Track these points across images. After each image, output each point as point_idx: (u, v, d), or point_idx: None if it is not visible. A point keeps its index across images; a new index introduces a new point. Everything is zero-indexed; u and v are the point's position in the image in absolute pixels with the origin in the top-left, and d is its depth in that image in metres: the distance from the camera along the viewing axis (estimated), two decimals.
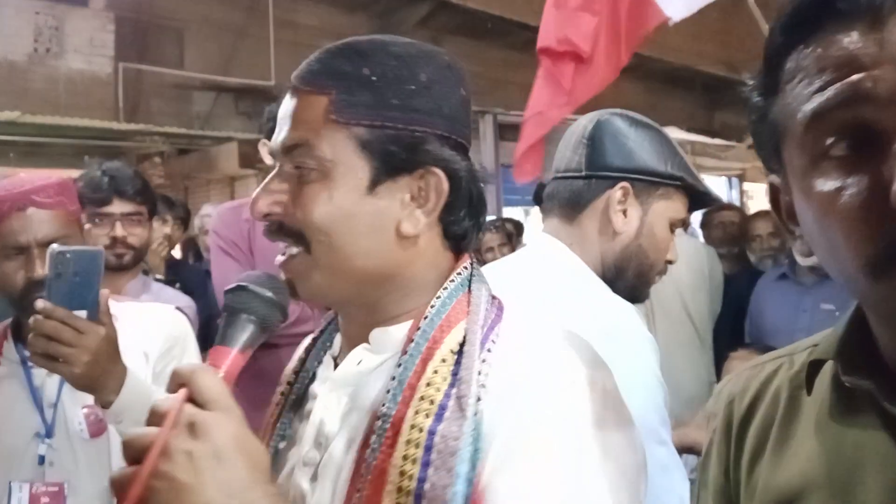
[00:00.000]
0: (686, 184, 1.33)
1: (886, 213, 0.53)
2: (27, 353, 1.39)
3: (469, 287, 0.78)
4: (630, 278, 1.33)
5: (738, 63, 11.81)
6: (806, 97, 0.58)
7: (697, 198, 1.39)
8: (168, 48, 9.13)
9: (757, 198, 10.78)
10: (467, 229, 0.80)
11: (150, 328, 1.57)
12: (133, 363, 1.36)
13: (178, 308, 1.68)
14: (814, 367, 0.69)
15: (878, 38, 0.55)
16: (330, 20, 10.15)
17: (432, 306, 0.75)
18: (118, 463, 1.47)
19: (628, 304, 1.28)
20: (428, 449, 0.67)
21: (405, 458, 0.68)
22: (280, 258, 0.79)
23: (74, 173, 2.20)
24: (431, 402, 0.70)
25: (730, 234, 3.91)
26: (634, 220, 1.31)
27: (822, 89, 0.57)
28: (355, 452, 0.73)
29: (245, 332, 0.73)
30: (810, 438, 0.67)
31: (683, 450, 1.75)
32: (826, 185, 0.58)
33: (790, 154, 0.63)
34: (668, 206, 1.33)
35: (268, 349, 2.13)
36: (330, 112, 0.74)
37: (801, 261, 3.00)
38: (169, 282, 3.05)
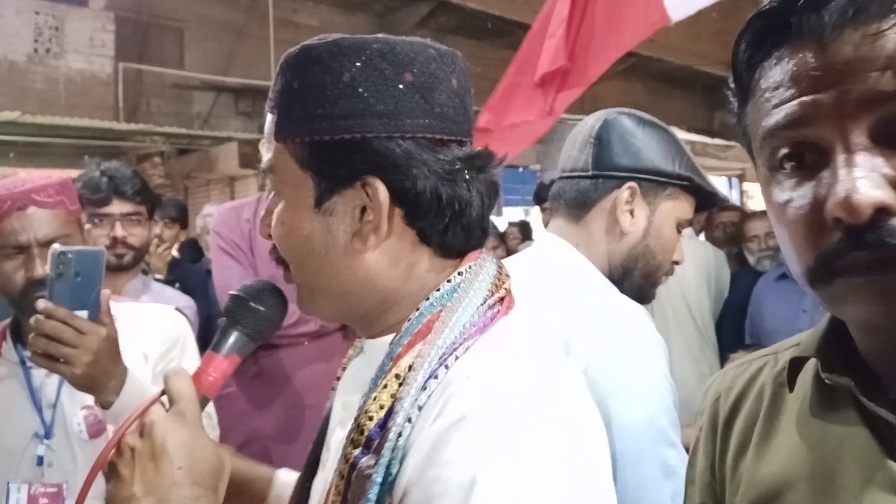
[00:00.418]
0: (694, 184, 1.32)
1: (821, 227, 0.58)
2: (26, 354, 1.39)
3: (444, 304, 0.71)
4: (637, 279, 1.32)
5: None
6: (765, 112, 0.61)
7: (704, 198, 1.38)
8: (168, 48, 9.14)
9: (757, 198, 10.80)
10: (446, 231, 0.72)
11: (150, 329, 1.57)
12: (132, 364, 1.36)
13: (177, 308, 1.68)
14: (795, 364, 0.70)
15: (823, 61, 0.58)
16: (330, 20, 10.15)
17: (409, 320, 0.70)
18: None
19: (636, 304, 1.27)
20: (348, 483, 0.64)
21: (335, 488, 0.66)
22: None
23: (74, 173, 2.20)
24: (361, 433, 0.65)
25: (730, 234, 3.92)
26: (642, 221, 1.30)
27: (777, 106, 0.60)
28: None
29: (234, 341, 0.78)
30: (792, 434, 0.69)
31: (688, 450, 1.75)
32: (779, 195, 0.62)
33: (756, 162, 0.66)
34: (676, 206, 1.32)
35: (268, 349, 2.14)
36: (274, 132, 0.73)
37: None
38: (169, 282, 3.05)
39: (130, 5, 8.59)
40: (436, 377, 0.65)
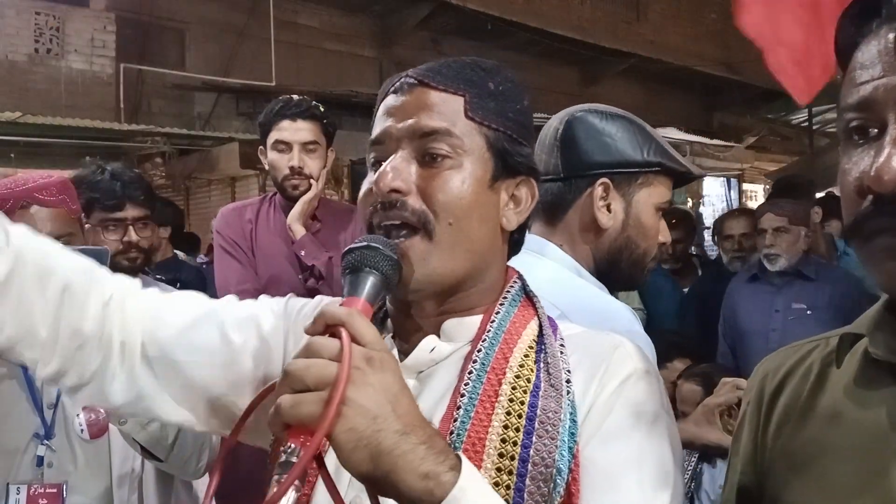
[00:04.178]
0: (666, 168, 1.34)
1: (861, 193, 0.65)
2: None
3: (527, 294, 0.91)
4: (624, 269, 1.34)
5: (736, 64, 11.80)
6: (849, 89, 0.68)
7: (680, 176, 1.39)
8: (169, 49, 9.14)
9: (756, 198, 10.77)
10: (522, 239, 0.94)
11: None
12: None
13: None
14: (845, 341, 0.76)
15: (893, 47, 0.62)
16: (330, 21, 10.14)
17: (501, 304, 0.87)
18: (118, 463, 1.47)
19: (623, 305, 1.29)
20: (531, 419, 0.77)
21: (506, 427, 0.77)
22: (396, 241, 0.82)
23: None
24: (528, 381, 0.80)
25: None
26: (619, 214, 1.31)
27: (858, 85, 0.66)
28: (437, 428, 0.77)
29: (372, 286, 0.76)
30: (834, 406, 0.74)
31: (684, 445, 1.77)
32: (845, 163, 0.69)
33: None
34: (652, 192, 1.33)
35: None
36: (467, 110, 0.85)
37: (770, 267, 3.07)
38: (170, 281, 3.06)
39: (131, 6, 8.60)
40: (563, 345, 0.84)
